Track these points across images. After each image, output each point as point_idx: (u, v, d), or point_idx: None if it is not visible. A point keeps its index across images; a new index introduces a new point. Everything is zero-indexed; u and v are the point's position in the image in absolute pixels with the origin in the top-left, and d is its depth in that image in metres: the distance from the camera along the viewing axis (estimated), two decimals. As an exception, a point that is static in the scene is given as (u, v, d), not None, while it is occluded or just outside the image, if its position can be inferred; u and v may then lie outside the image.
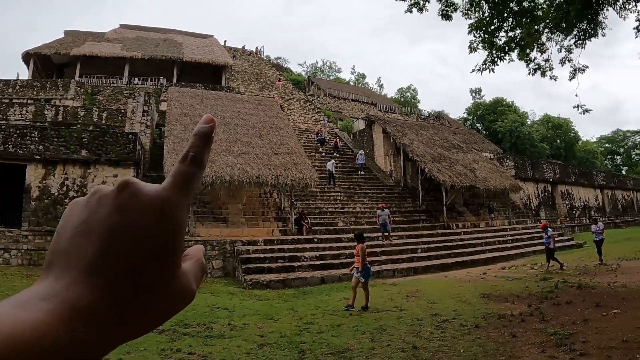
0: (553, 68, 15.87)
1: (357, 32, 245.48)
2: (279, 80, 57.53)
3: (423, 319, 11.69)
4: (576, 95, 18.46)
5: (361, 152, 38.13)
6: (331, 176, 32.72)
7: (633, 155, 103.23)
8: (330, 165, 33.21)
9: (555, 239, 22.02)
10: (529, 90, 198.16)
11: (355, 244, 14.86)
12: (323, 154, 38.59)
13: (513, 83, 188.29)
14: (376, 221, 25.89)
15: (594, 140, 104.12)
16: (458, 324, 11.06)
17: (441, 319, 11.67)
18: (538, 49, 15.48)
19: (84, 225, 0.61)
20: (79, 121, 33.48)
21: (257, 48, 71.60)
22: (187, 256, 0.70)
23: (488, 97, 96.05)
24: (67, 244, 0.61)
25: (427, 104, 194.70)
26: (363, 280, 13.51)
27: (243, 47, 70.63)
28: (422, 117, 68.28)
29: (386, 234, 25.36)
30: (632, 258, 22.19)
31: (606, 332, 9.69)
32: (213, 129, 0.71)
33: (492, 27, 14.47)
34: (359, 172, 36.71)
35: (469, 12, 14.83)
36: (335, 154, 38.63)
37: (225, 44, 68.17)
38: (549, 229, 21.13)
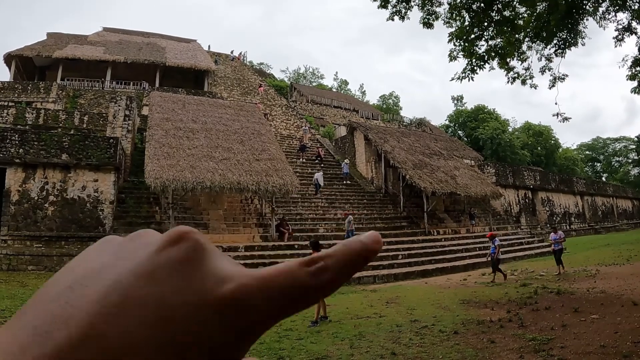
0: (533, 76, 15.99)
1: (339, 40, 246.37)
2: (261, 86, 57.44)
3: (402, 326, 11.71)
4: (556, 104, 18.54)
5: (346, 161, 38.08)
6: (317, 187, 32.71)
7: (613, 162, 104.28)
8: (318, 176, 33.13)
9: (501, 250, 21.55)
10: (508, 98, 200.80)
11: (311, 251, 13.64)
12: (303, 160, 38.52)
13: (492, 91, 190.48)
14: (348, 228, 25.83)
15: (575, 147, 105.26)
16: (437, 330, 11.10)
17: (420, 325, 11.70)
18: (518, 58, 15.58)
19: (95, 275, 0.42)
20: (60, 125, 33.19)
21: (240, 53, 71.49)
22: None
23: (469, 104, 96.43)
24: (56, 295, 0.41)
25: (409, 111, 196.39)
26: None
27: (232, 52, 70.40)
28: (404, 124, 68.60)
29: None
30: (611, 264, 22.35)
31: (584, 338, 9.77)
32: (376, 252, 0.49)
33: (473, 36, 14.56)
34: (345, 182, 36.67)
35: (450, 21, 14.91)
36: (319, 164, 38.52)
37: (209, 48, 68.05)
38: (496, 239, 20.71)
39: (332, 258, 0.45)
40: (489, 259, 20.41)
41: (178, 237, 0.44)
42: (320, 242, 25.05)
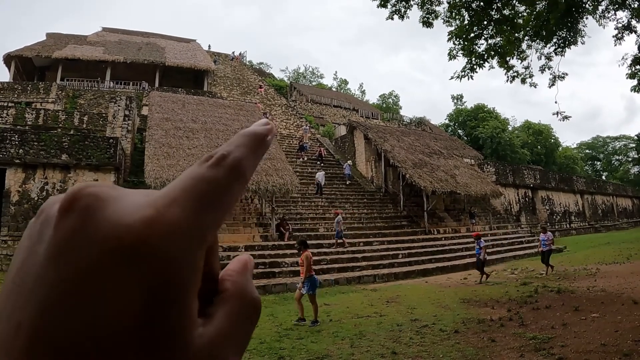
0: (533, 75, 15.99)
1: (338, 39, 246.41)
2: (261, 87, 57.43)
3: (403, 325, 11.71)
4: (556, 102, 18.57)
5: (349, 162, 38.06)
6: (319, 187, 32.70)
7: (613, 161, 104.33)
8: (320, 176, 33.09)
9: (487, 251, 21.09)
10: (507, 97, 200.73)
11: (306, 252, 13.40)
12: (304, 160, 38.47)
13: (491, 90, 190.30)
14: (337, 228, 25.69)
15: (574, 146, 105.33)
16: (438, 329, 11.09)
17: (421, 324, 11.69)
18: (518, 57, 15.59)
19: (19, 274, 0.37)
20: (60, 125, 33.19)
21: (239, 53, 71.48)
22: (221, 294, 0.44)
23: (469, 103, 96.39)
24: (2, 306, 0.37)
25: (409, 110, 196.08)
26: (311, 293, 12.36)
27: (233, 52, 70.33)
28: (404, 123, 68.63)
29: (340, 240, 25.10)
30: (611, 262, 22.36)
31: (585, 336, 9.77)
32: (270, 134, 0.47)
33: (472, 35, 14.56)
34: (346, 182, 36.63)
35: (450, 20, 14.91)
36: (320, 163, 38.48)
37: (209, 48, 68.05)
38: (482, 240, 20.21)
39: (230, 145, 0.43)
40: (483, 257, 19.92)
41: (70, 202, 0.37)
42: (321, 242, 25.21)
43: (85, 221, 0.36)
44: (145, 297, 0.34)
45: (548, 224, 44.23)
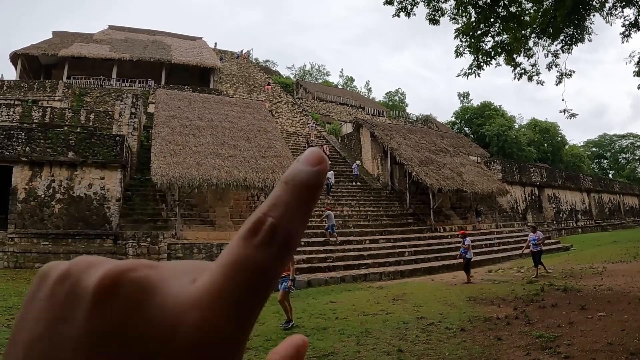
0: (540, 73, 15.95)
1: (344, 37, 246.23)
2: (268, 85, 57.40)
3: (409, 323, 11.70)
4: (562, 100, 18.54)
5: (357, 162, 38.07)
6: (329, 187, 32.47)
7: (620, 159, 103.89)
8: (329, 175, 32.67)
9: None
10: (513, 95, 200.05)
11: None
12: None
13: (496, 88, 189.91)
14: (330, 223, 25.65)
15: (581, 144, 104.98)
16: (444, 327, 11.08)
17: (427, 322, 11.68)
18: (525, 54, 15.55)
19: (36, 349, 0.35)
20: (66, 123, 33.28)
21: (246, 51, 71.40)
22: None
23: (475, 101, 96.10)
24: None
25: (415, 108, 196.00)
26: (285, 290, 11.81)
27: (241, 51, 70.26)
28: (410, 120, 68.44)
29: (333, 234, 25.16)
30: (618, 261, 22.27)
31: (591, 335, 9.74)
32: (324, 176, 0.40)
33: (479, 32, 14.52)
34: (354, 183, 36.51)
35: (457, 17, 14.87)
36: None
37: (215, 46, 68.04)
38: (467, 238, 19.71)
39: (279, 208, 0.38)
40: (469, 256, 19.46)
41: (112, 286, 0.35)
42: (326, 238, 25.21)
43: (129, 315, 0.34)
44: None
45: (554, 222, 44.17)
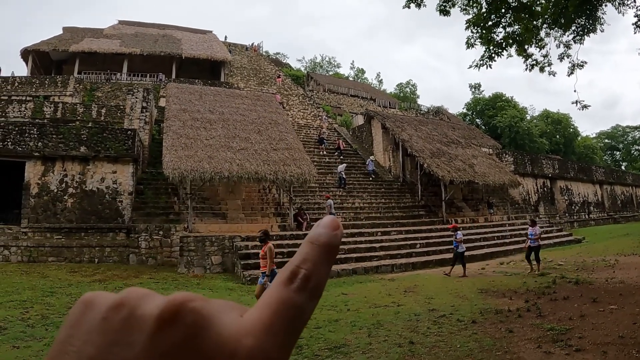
0: (552, 64, 15.85)
1: (355, 28, 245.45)
2: (279, 77, 57.39)
3: (420, 315, 11.72)
4: (575, 91, 18.48)
5: (372, 157, 37.85)
6: (342, 181, 32.45)
7: (632, 151, 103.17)
8: (341, 168, 32.95)
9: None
10: (524, 86, 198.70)
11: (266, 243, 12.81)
12: (324, 153, 38.23)
13: (508, 78, 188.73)
14: (330, 211, 25.71)
15: (593, 135, 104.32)
16: (455, 319, 11.09)
17: (438, 314, 11.70)
18: (536, 45, 15.44)
19: None
20: (78, 118, 33.48)
21: (256, 44, 71.37)
22: None
23: (486, 92, 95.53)
24: None
25: (426, 99, 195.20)
26: (268, 286, 11.53)
27: (252, 44, 70.31)
28: (422, 112, 68.27)
29: None
30: (630, 254, 22.16)
31: (602, 328, 9.72)
32: (340, 238, 0.52)
33: (490, 23, 14.45)
34: (370, 177, 36.26)
35: (467, 8, 14.80)
36: (340, 156, 38.30)
37: (225, 39, 68.09)
38: (459, 232, 19.51)
39: (308, 262, 0.48)
40: (462, 250, 19.25)
41: (174, 314, 0.42)
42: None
43: (190, 340, 0.41)
44: None
45: (567, 214, 43.92)
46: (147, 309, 0.42)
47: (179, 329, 0.41)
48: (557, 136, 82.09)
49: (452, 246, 19.69)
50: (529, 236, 19.53)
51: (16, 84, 40.85)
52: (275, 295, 0.46)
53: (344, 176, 32.34)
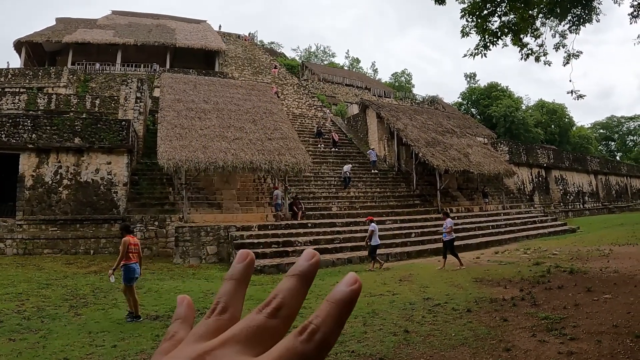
0: (547, 53, 15.82)
1: (350, 17, 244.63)
2: (275, 68, 57.19)
3: (415, 303, 11.74)
4: (570, 81, 18.51)
5: (372, 148, 37.88)
6: (347, 181, 31.99)
7: (627, 141, 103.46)
8: (347, 168, 32.53)
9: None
10: (518, 75, 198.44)
11: None
12: (322, 146, 38.04)
13: (502, 68, 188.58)
14: (277, 202, 25.78)
15: (589, 126, 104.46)
16: (450, 308, 11.11)
17: (433, 303, 11.72)
18: (532, 34, 15.39)
19: None
20: (72, 109, 33.38)
21: (250, 33, 71.13)
22: None
23: (481, 82, 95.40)
24: None
25: (421, 89, 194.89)
26: (127, 284, 10.90)
27: (249, 33, 70.09)
28: (417, 101, 68.21)
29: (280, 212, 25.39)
30: (624, 243, 22.20)
31: (597, 317, 9.75)
32: (358, 294, 0.56)
33: (486, 12, 14.40)
34: (372, 171, 35.86)
35: (463, -3, 14.74)
36: (333, 148, 38.17)
37: (220, 29, 67.81)
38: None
39: (319, 317, 0.53)
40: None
41: None
42: (334, 220, 25.31)
43: None
44: None
45: (561, 204, 44.03)
46: None
47: None
48: (552, 126, 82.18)
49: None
50: (443, 229, 18.46)
51: (9, 75, 40.71)
52: (285, 344, 0.52)
53: (349, 176, 32.13)
